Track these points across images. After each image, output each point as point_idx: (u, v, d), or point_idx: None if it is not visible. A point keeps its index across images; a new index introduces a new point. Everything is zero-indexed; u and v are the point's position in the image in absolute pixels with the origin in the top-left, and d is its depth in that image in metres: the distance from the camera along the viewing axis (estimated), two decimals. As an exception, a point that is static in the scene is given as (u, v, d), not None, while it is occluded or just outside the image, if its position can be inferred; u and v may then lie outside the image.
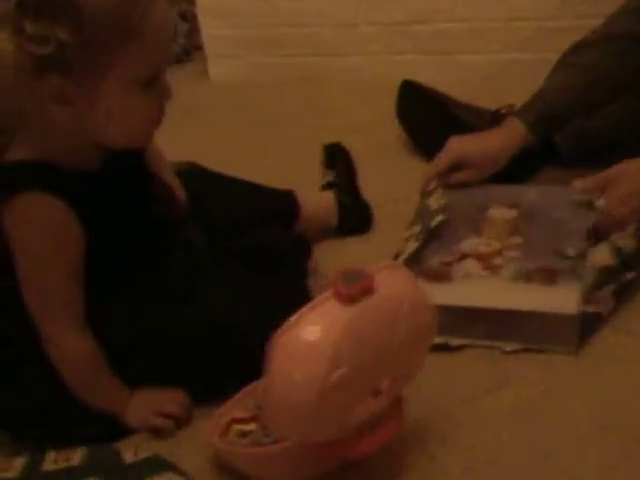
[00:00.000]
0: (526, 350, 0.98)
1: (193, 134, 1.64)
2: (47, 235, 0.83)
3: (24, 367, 0.90)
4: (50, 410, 0.90)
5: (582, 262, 1.05)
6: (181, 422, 0.91)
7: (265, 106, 1.81)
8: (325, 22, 1.87)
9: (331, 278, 0.74)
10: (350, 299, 0.72)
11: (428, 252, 1.13)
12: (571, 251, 1.07)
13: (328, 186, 1.31)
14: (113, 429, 0.90)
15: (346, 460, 0.82)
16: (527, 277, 1.05)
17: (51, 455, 0.87)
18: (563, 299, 1.00)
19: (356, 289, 0.72)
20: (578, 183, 1.17)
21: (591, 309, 1.01)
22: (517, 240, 1.14)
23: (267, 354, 0.72)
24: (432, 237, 1.15)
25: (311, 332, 0.71)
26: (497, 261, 1.09)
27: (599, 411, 0.89)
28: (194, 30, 2.34)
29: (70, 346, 0.86)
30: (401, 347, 0.76)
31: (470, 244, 1.14)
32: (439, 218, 1.17)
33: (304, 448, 0.77)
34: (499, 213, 1.20)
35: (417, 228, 1.19)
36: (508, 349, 0.99)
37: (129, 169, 0.92)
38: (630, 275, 1.06)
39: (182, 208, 1.02)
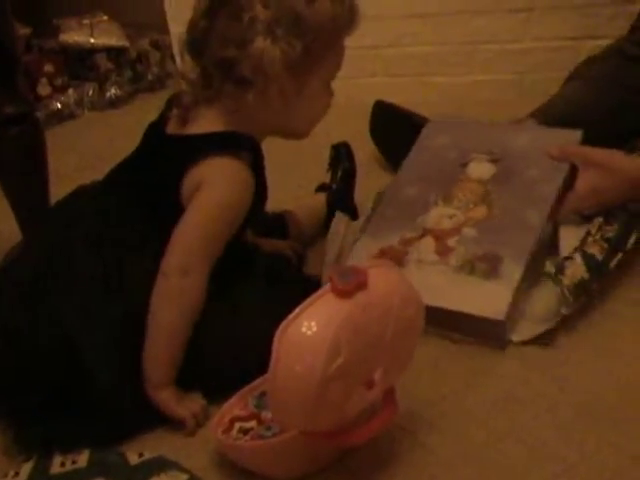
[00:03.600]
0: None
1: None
2: (237, 193, 0.97)
3: (39, 359, 0.92)
4: (57, 405, 0.92)
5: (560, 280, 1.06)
6: (198, 421, 0.94)
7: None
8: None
9: (327, 275, 0.79)
10: (346, 294, 0.77)
11: (396, 222, 1.17)
12: (549, 266, 1.08)
13: (321, 188, 1.38)
14: (118, 431, 0.93)
15: (343, 450, 0.87)
16: (471, 267, 1.08)
17: (58, 459, 0.90)
18: (495, 301, 1.03)
19: (352, 284, 0.77)
20: (553, 150, 1.18)
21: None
22: (481, 211, 1.16)
23: (272, 348, 0.76)
24: (403, 204, 1.19)
25: (310, 325, 0.75)
26: (451, 242, 1.13)
27: (576, 398, 0.94)
28: (166, 58, 2.40)
29: (200, 283, 0.96)
30: (393, 339, 0.81)
31: (435, 216, 1.17)
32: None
33: (304, 439, 0.81)
34: (477, 170, 1.22)
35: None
36: (455, 337, 1.04)
37: None
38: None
39: None
